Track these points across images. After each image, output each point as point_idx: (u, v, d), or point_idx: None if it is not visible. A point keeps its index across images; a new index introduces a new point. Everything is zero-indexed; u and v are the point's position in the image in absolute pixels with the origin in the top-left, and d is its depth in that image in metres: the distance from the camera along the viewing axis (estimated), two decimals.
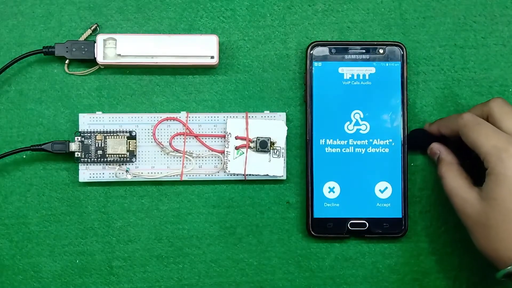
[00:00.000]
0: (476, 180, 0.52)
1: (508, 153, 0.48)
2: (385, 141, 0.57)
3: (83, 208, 0.57)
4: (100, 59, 0.56)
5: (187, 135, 0.57)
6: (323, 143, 0.57)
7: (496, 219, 0.48)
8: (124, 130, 0.56)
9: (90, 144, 0.56)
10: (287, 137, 0.57)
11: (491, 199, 0.49)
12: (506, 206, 0.48)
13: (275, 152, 0.56)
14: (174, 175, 0.56)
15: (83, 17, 0.57)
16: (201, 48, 0.56)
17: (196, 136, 0.57)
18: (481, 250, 0.50)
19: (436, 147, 0.55)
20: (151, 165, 0.56)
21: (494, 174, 0.49)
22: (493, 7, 0.58)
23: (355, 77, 0.57)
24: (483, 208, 0.49)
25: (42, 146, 0.55)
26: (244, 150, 0.56)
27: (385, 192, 0.57)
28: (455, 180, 0.52)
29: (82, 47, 0.56)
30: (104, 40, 0.56)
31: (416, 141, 0.57)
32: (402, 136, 0.57)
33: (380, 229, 0.56)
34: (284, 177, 0.57)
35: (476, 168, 0.52)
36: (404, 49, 0.57)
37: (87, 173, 0.56)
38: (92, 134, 0.56)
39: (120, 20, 0.58)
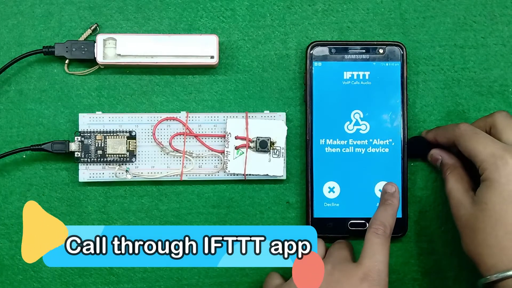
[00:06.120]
0: (476, 185, 0.52)
1: (503, 161, 0.49)
2: (385, 141, 0.57)
3: (83, 208, 0.57)
4: (100, 59, 0.56)
5: (187, 135, 0.56)
6: (323, 143, 0.57)
7: (485, 223, 0.49)
8: (124, 130, 0.56)
9: (90, 144, 0.56)
10: (287, 137, 0.57)
11: (482, 203, 0.49)
12: (496, 211, 0.49)
13: (275, 152, 0.56)
14: (174, 175, 0.56)
15: (83, 17, 0.57)
16: (201, 48, 0.56)
17: (196, 136, 0.57)
18: (467, 254, 0.51)
19: (437, 153, 0.56)
20: (151, 165, 0.56)
21: (488, 180, 0.49)
22: (493, 7, 0.58)
23: (355, 77, 0.57)
24: (474, 211, 0.50)
25: (42, 146, 0.55)
26: (244, 150, 0.56)
27: None
28: (455, 182, 0.53)
29: (82, 47, 0.56)
30: (104, 40, 0.56)
31: (415, 148, 0.57)
32: (402, 136, 0.57)
33: None
34: (284, 177, 0.57)
35: (476, 173, 0.52)
36: (404, 49, 0.57)
37: (87, 173, 0.56)
38: (92, 134, 0.56)
39: (120, 20, 0.58)
